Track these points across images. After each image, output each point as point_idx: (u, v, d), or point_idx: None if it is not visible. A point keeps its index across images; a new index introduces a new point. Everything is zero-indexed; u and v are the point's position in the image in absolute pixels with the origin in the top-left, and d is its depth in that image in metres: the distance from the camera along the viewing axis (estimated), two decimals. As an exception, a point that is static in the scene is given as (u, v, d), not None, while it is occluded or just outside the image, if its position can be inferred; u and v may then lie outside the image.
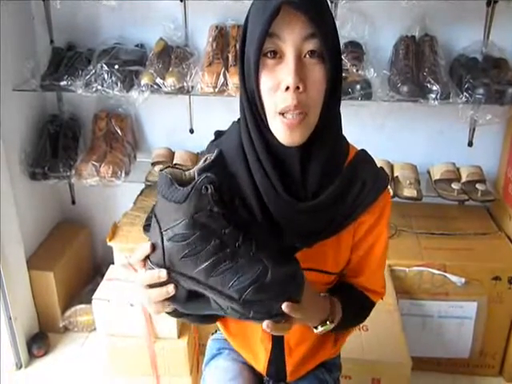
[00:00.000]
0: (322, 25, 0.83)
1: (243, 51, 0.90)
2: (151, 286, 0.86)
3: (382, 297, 1.16)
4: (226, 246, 0.82)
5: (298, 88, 0.84)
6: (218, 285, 0.82)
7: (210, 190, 0.79)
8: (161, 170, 0.83)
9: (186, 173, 0.85)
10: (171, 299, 0.87)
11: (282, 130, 0.88)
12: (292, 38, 0.83)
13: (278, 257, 0.85)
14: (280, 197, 0.92)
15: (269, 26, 0.82)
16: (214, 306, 0.86)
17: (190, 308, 0.90)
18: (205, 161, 0.84)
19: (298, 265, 0.86)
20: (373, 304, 1.15)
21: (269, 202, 0.93)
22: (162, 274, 0.84)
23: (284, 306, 0.81)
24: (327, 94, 0.88)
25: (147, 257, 0.86)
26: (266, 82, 0.86)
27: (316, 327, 0.99)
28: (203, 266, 0.81)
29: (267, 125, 0.90)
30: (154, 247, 0.85)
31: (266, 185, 0.92)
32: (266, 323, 0.83)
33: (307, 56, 0.85)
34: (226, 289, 0.82)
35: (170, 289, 0.84)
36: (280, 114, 0.87)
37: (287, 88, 0.84)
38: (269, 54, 0.85)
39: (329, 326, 1.00)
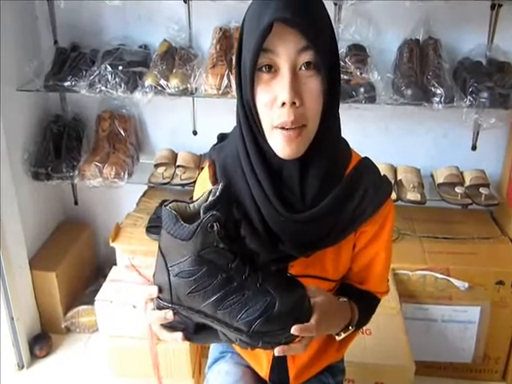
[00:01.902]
0: (317, 36, 0.82)
1: (239, 64, 0.90)
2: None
3: (386, 293, 1.16)
4: (233, 279, 0.82)
5: (294, 103, 0.83)
6: (226, 318, 0.83)
7: (216, 228, 0.79)
8: (165, 205, 0.82)
9: (191, 206, 0.85)
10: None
11: (280, 143, 0.87)
12: (286, 51, 0.82)
13: (284, 285, 0.86)
14: (275, 209, 0.91)
15: (262, 42, 0.82)
16: (222, 338, 0.87)
17: (199, 340, 0.92)
18: (209, 194, 0.84)
19: (304, 290, 0.87)
20: (379, 301, 1.15)
21: (264, 213, 0.93)
22: (169, 315, 0.86)
23: (293, 330, 0.82)
24: (325, 104, 0.87)
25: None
26: (261, 97, 0.86)
27: (338, 334, 1.00)
28: (211, 301, 0.82)
29: (264, 137, 0.90)
30: (160, 289, 0.85)
31: (262, 197, 0.92)
32: (277, 350, 0.84)
33: (303, 68, 0.84)
34: (234, 321, 0.82)
35: (179, 335, 0.89)
36: (277, 128, 0.86)
37: (283, 104, 0.83)
38: (264, 69, 0.85)
39: (350, 330, 1.01)
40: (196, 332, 0.89)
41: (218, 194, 0.82)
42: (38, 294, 2.23)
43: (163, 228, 0.82)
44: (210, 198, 0.83)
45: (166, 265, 0.84)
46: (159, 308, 0.88)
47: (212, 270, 0.81)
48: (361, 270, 1.07)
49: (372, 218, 0.97)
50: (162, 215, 0.83)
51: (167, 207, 0.82)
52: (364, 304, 1.07)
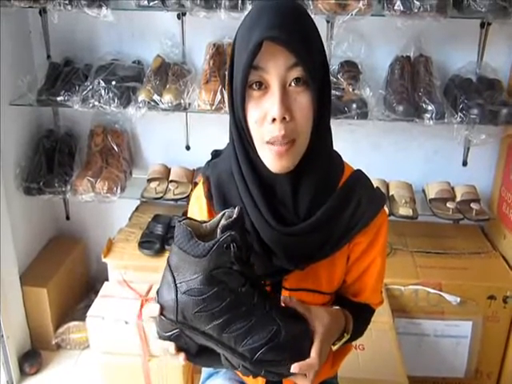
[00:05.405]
0: (306, 53, 0.84)
1: (232, 81, 0.91)
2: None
3: (381, 304, 1.16)
4: (242, 303, 0.82)
5: (284, 118, 0.84)
6: (231, 342, 0.82)
7: (233, 249, 0.79)
8: (179, 221, 0.82)
9: (203, 225, 0.85)
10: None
11: (271, 158, 0.88)
12: (276, 68, 0.84)
13: (289, 315, 0.86)
14: (268, 223, 0.92)
15: (252, 61, 0.83)
16: (224, 363, 0.86)
17: (200, 362, 0.92)
18: (226, 217, 0.84)
19: (307, 324, 0.87)
20: (373, 312, 1.15)
21: (258, 228, 0.93)
22: (171, 349, 0.87)
23: (294, 369, 0.83)
24: (315, 118, 0.88)
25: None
26: (252, 113, 0.87)
27: (333, 343, 0.99)
28: (217, 323, 0.81)
29: (256, 152, 0.91)
30: (163, 307, 0.85)
31: (255, 212, 0.93)
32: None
33: (292, 84, 0.85)
34: (238, 347, 0.82)
35: (181, 356, 0.88)
36: (268, 143, 0.87)
37: (274, 119, 0.85)
38: (254, 86, 0.86)
39: (345, 337, 1.00)
40: (198, 354, 0.88)
41: (235, 215, 0.82)
42: (28, 310, 2.20)
43: (175, 244, 0.82)
44: (223, 220, 0.83)
45: (175, 281, 0.82)
46: (161, 326, 0.87)
47: (222, 292, 0.81)
48: (354, 282, 1.08)
49: (366, 228, 0.98)
50: (175, 231, 0.82)
51: (181, 223, 0.81)
52: (359, 315, 1.07)
